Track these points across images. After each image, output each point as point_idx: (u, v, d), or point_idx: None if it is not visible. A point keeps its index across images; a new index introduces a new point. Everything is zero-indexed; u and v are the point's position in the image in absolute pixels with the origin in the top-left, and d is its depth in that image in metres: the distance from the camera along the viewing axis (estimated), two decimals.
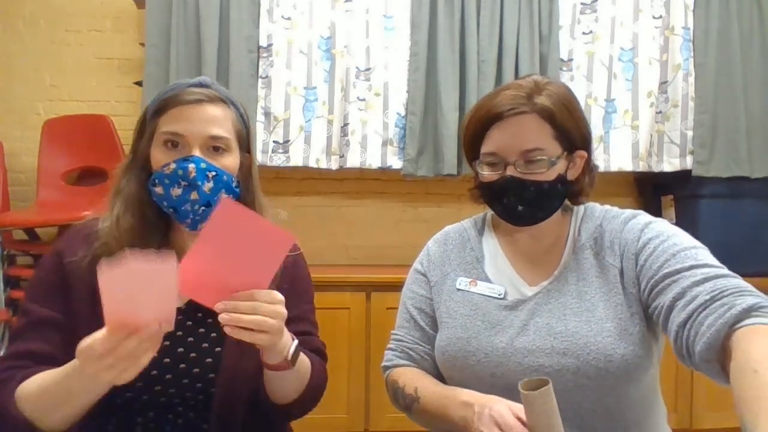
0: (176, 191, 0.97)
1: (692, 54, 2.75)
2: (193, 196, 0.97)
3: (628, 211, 1.05)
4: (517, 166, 0.98)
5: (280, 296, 0.88)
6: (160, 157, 0.98)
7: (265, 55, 2.64)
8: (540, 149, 0.98)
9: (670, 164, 2.78)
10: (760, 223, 2.65)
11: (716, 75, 2.72)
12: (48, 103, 2.88)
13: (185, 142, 0.98)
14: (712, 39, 2.73)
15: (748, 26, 2.76)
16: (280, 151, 2.67)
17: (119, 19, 2.90)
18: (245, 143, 1.07)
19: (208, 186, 0.98)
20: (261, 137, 2.66)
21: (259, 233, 0.82)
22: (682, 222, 2.71)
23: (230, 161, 1.02)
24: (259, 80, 2.64)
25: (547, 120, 0.98)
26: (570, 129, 1.00)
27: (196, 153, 0.98)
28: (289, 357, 0.93)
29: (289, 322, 1.09)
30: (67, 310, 0.96)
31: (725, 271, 0.87)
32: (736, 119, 2.71)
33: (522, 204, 1.00)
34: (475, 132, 1.03)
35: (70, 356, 0.83)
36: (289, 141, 2.68)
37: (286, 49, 2.66)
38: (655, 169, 2.79)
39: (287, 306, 1.10)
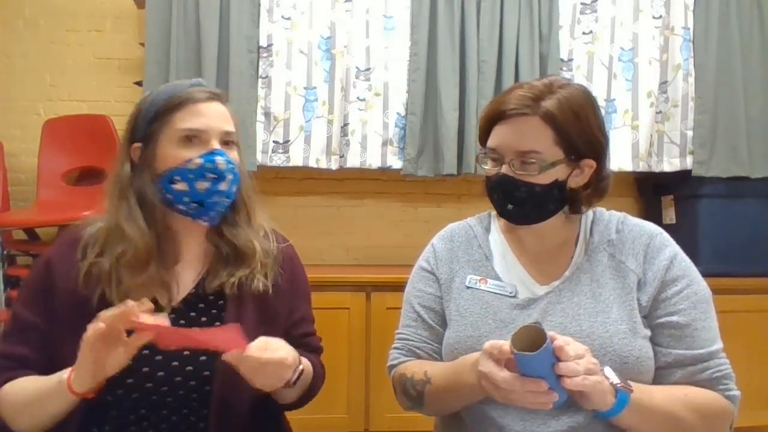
0: (203, 185, 1.00)
1: (692, 54, 2.75)
2: (222, 186, 1.01)
3: (648, 224, 1.08)
4: (513, 165, 0.99)
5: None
6: (181, 154, 1.00)
7: (265, 55, 2.64)
8: (535, 152, 0.98)
9: (670, 164, 2.78)
10: (760, 223, 2.65)
11: (716, 75, 2.72)
12: (48, 103, 2.87)
13: (204, 138, 1.01)
14: (712, 39, 2.72)
15: (748, 26, 2.76)
16: (280, 151, 2.67)
17: (119, 19, 2.90)
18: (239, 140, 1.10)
19: (229, 178, 1.02)
20: (261, 137, 2.65)
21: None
22: (682, 222, 2.71)
23: (237, 156, 1.06)
24: (259, 80, 2.64)
25: (550, 124, 0.98)
26: (573, 135, 0.99)
27: (218, 147, 1.01)
28: (291, 383, 0.96)
29: (296, 326, 1.12)
30: (50, 317, 0.98)
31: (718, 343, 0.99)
32: (736, 119, 2.71)
33: (511, 203, 1.01)
34: (483, 127, 1.05)
35: (49, 361, 0.91)
36: (289, 141, 2.67)
37: (286, 49, 2.66)
38: (655, 169, 2.79)
39: (290, 308, 1.12)
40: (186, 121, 1.00)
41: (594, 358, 0.86)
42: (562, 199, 1.03)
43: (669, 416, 0.91)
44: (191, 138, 1.00)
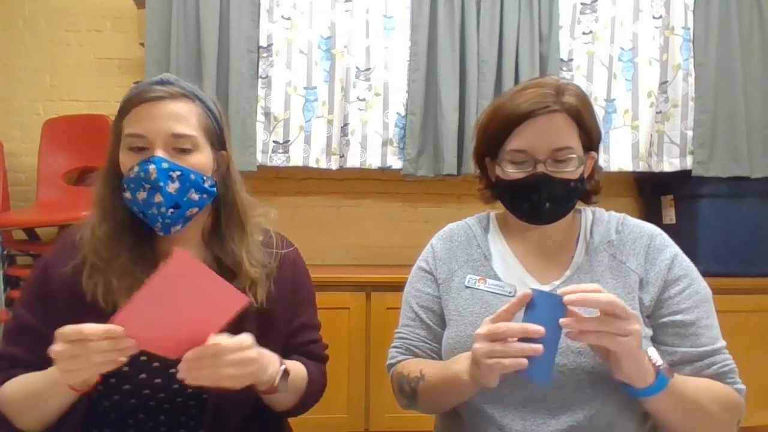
0: (142, 195, 0.94)
1: (692, 54, 2.75)
2: (157, 198, 0.93)
3: (647, 224, 1.08)
4: (547, 164, 0.99)
5: (248, 341, 0.86)
6: (125, 161, 0.96)
7: (265, 55, 2.64)
8: (570, 147, 0.99)
9: (670, 164, 2.78)
10: (760, 223, 2.65)
11: (716, 75, 2.72)
12: (48, 103, 2.87)
13: (147, 143, 0.95)
14: (712, 39, 2.73)
15: (748, 26, 2.76)
16: (280, 151, 2.67)
17: (119, 19, 2.90)
18: (218, 140, 1.03)
19: (173, 186, 0.94)
20: (261, 137, 2.65)
21: (210, 289, 0.81)
22: (682, 222, 2.71)
23: (198, 159, 0.98)
24: (259, 80, 2.64)
25: (574, 119, 1.00)
26: (591, 129, 1.03)
27: (159, 153, 0.94)
28: (276, 383, 0.94)
29: (296, 333, 1.11)
30: (49, 320, 0.96)
31: (721, 340, 1.00)
32: (736, 119, 2.71)
33: (550, 201, 1.01)
34: (498, 130, 1.03)
35: (45, 362, 0.87)
36: (289, 141, 2.67)
37: (286, 49, 2.66)
38: (655, 169, 2.79)
39: (291, 315, 1.10)
40: (130, 125, 0.95)
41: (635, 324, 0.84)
42: (582, 193, 1.06)
43: (697, 406, 0.92)
44: (137, 143, 0.95)
